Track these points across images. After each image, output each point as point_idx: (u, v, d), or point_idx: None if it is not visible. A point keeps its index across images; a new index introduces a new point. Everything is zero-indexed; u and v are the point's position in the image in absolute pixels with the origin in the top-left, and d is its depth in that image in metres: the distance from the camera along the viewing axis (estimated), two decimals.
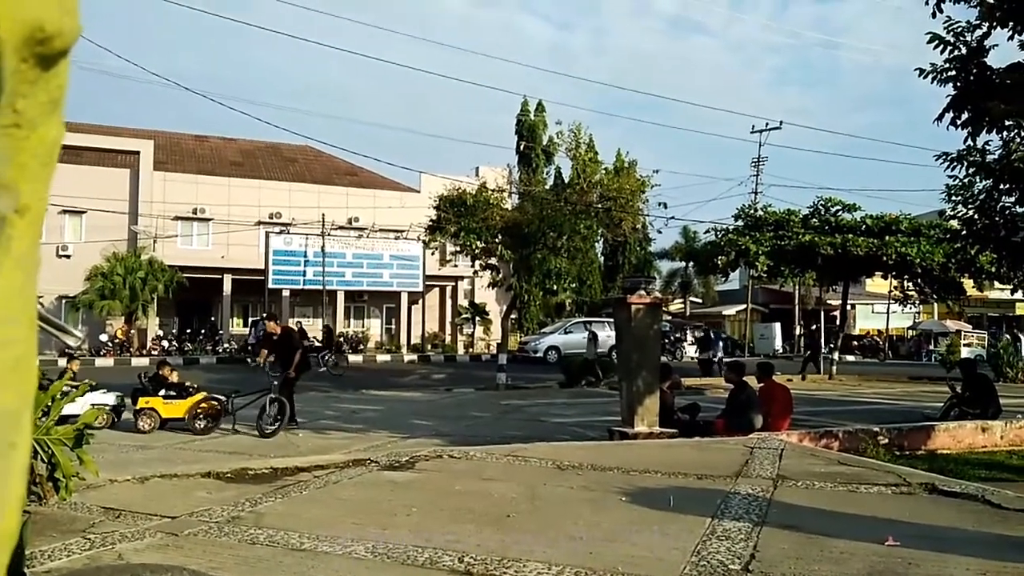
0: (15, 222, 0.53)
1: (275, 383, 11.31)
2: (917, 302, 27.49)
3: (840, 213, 23.33)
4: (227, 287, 32.68)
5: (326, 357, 23.99)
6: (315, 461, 7.53)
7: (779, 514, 5.38)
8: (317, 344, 25.18)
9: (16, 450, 0.55)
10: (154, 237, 31.94)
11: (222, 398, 11.70)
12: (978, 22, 8.68)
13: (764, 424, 9.80)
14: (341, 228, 34.42)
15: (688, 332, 35.68)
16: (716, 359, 24.17)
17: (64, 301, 30.23)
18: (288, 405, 11.32)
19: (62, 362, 18.80)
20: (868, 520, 5.29)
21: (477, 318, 35.54)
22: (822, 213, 23.44)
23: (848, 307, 29.13)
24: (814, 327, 32.71)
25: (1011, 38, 8.58)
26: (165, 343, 30.57)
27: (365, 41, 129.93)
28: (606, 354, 24.18)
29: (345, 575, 4.21)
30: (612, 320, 29.80)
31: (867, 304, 44.69)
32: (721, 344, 26.94)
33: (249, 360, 21.26)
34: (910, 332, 43.45)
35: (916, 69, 9.10)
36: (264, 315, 16.39)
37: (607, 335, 26.20)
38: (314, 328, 29.55)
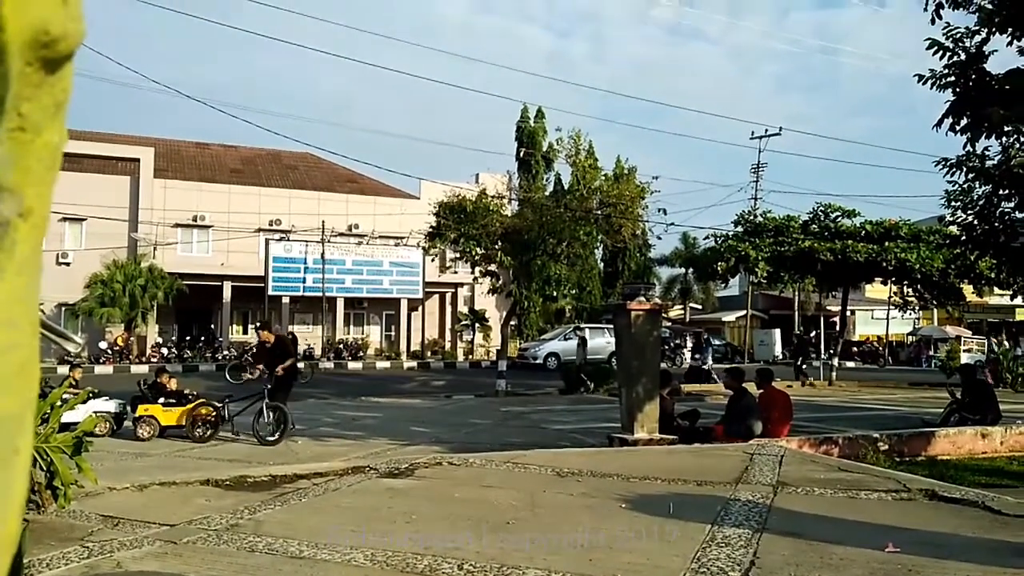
0: (19, 226, 0.53)
1: (267, 387, 11.32)
2: (917, 308, 27.47)
3: (840, 219, 23.34)
4: (227, 294, 32.66)
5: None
6: (314, 468, 7.51)
7: (779, 521, 5.37)
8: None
9: (19, 455, 0.55)
10: (154, 244, 31.95)
11: (217, 404, 11.71)
12: (977, 28, 8.70)
13: (764, 430, 9.78)
14: (341, 235, 34.46)
15: (688, 338, 35.66)
16: (705, 365, 24.05)
17: (64, 308, 30.21)
18: (286, 412, 11.30)
19: (63, 369, 18.79)
20: (868, 526, 5.28)
21: (477, 325, 35.51)
22: (822, 219, 23.45)
23: (848, 313, 29.13)
24: (812, 334, 32.70)
25: (1010, 44, 8.62)
26: (165, 350, 30.53)
27: (365, 49, 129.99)
28: (605, 360, 24.12)
29: None
30: (603, 326, 29.77)
31: (867, 310, 44.68)
32: (710, 350, 26.83)
33: (228, 376, 21.45)
34: (910, 338, 43.44)
35: (915, 75, 9.12)
36: (258, 323, 16.39)
37: (607, 341, 26.12)
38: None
